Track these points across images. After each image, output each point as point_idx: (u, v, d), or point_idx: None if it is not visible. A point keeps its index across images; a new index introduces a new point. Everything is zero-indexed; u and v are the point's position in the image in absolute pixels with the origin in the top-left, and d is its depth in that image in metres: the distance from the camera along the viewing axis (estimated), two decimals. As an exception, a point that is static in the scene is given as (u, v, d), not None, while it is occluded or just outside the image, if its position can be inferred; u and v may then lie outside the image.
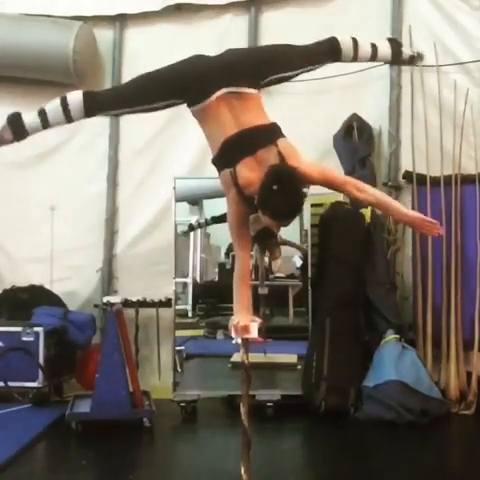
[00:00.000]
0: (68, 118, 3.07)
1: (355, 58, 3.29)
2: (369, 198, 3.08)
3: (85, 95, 3.06)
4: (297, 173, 2.90)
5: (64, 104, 3.05)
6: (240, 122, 3.01)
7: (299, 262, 5.68)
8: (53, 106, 3.07)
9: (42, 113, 3.08)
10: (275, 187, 2.79)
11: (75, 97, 3.05)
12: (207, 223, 5.92)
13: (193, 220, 5.98)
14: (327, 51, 3.26)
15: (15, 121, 3.12)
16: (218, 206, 5.72)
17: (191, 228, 5.94)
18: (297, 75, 3.24)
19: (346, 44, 3.26)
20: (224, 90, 3.00)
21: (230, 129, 3.00)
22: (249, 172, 2.94)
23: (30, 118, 3.10)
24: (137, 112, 3.14)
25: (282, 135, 3.04)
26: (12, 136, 3.18)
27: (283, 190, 2.80)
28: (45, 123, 3.10)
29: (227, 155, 2.99)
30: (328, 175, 3.08)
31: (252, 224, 3.07)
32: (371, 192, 3.09)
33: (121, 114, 3.15)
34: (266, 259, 5.56)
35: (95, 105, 3.07)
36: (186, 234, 5.91)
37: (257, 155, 2.96)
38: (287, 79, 3.22)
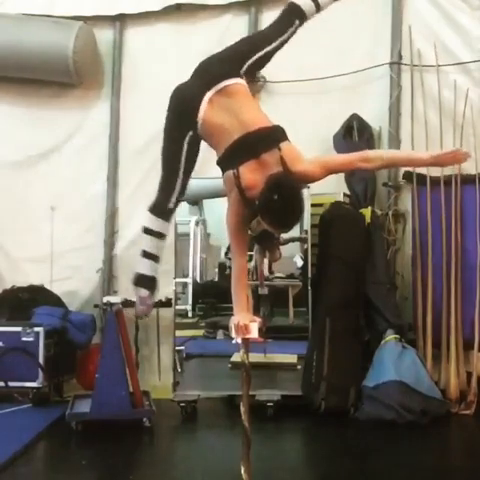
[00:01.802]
0: (162, 237, 3.32)
1: (318, 8, 3.35)
2: (377, 164, 3.15)
3: (152, 212, 3.32)
4: (298, 182, 2.94)
5: (151, 233, 3.32)
6: (240, 120, 3.04)
7: (300, 262, 5.67)
8: (148, 242, 3.33)
9: (147, 254, 3.33)
10: (275, 197, 2.81)
11: (151, 220, 3.30)
12: None
13: (193, 220, 5.98)
14: (288, 14, 3.34)
15: (140, 279, 3.33)
16: (218, 206, 5.74)
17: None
18: (274, 51, 3.28)
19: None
20: (209, 94, 3.07)
21: (233, 130, 3.04)
22: (252, 174, 2.96)
23: (146, 266, 3.33)
24: (189, 172, 3.22)
25: (286, 138, 3.06)
26: (149, 292, 3.36)
27: (283, 200, 2.82)
28: (156, 258, 3.33)
29: (232, 157, 3.02)
30: (331, 165, 3.12)
31: (255, 226, 3.09)
32: (376, 157, 3.16)
33: (184, 188, 3.26)
34: (266, 260, 5.56)
35: (164, 209, 3.29)
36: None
37: (261, 158, 2.98)
38: (266, 60, 3.27)
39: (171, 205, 3.26)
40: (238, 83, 3.14)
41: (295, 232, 5.50)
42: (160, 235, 3.30)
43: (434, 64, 5.47)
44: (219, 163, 3.12)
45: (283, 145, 3.01)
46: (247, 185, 2.96)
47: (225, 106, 3.07)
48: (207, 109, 3.07)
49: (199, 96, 3.09)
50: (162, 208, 3.29)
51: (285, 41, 3.32)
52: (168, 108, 3.21)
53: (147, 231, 3.31)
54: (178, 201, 3.28)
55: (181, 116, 3.14)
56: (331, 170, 3.11)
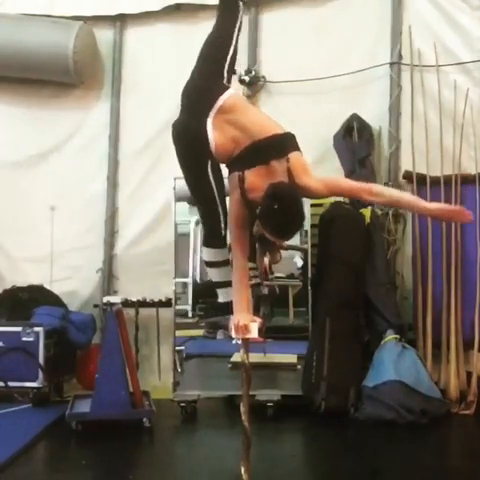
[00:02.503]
0: (226, 264, 3.34)
1: None
2: (382, 200, 3.17)
3: (209, 246, 3.35)
4: (299, 193, 2.95)
5: (216, 264, 3.37)
6: (248, 131, 3.06)
7: (300, 262, 5.66)
8: (217, 274, 3.40)
9: (221, 284, 3.39)
10: (275, 206, 2.82)
11: (211, 253, 3.36)
12: None
13: (193, 220, 5.97)
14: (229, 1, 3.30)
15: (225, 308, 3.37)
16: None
17: None
18: (237, 41, 3.29)
19: None
20: (210, 120, 3.07)
21: (242, 141, 3.06)
22: (257, 178, 2.98)
23: (225, 295, 3.39)
24: (224, 194, 3.28)
25: (296, 148, 3.06)
26: None
27: (283, 209, 2.84)
28: (230, 283, 3.30)
29: (241, 162, 3.03)
30: (336, 187, 3.15)
31: (256, 228, 3.11)
32: (381, 193, 3.16)
33: (226, 211, 3.32)
34: (266, 260, 5.55)
35: (218, 238, 3.34)
36: None
37: (270, 165, 2.99)
38: (236, 53, 3.29)
39: (223, 231, 3.31)
40: (230, 95, 3.14)
41: (297, 238, 5.49)
42: (224, 263, 3.35)
43: (434, 64, 5.47)
44: (227, 165, 3.13)
45: (292, 156, 3.02)
46: (250, 187, 2.98)
47: (229, 122, 3.08)
48: (214, 135, 3.07)
49: (201, 126, 3.08)
50: (215, 238, 3.34)
51: (241, 26, 3.32)
52: (176, 151, 3.21)
53: (211, 265, 3.36)
54: (226, 225, 3.32)
55: (194, 153, 3.14)
56: (335, 193, 3.15)
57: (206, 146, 3.09)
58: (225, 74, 3.20)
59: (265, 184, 2.91)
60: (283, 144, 3.06)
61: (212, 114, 3.09)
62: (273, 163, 3.01)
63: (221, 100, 3.10)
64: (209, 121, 3.08)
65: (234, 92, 3.20)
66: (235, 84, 5.53)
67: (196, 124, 3.10)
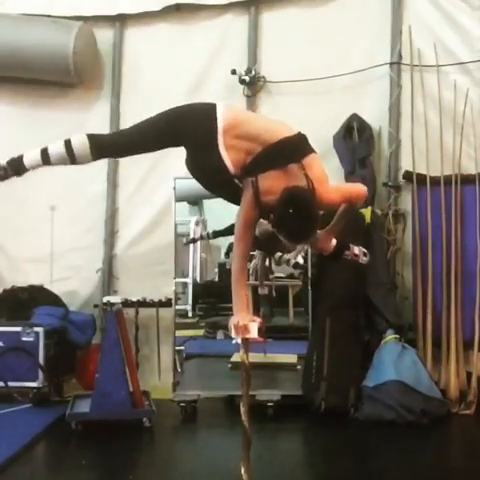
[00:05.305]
0: (73, 161, 3.27)
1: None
2: None
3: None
4: (314, 197, 2.92)
5: (69, 149, 3.29)
6: (261, 140, 3.01)
7: (301, 261, 5.62)
8: (57, 149, 3.32)
9: (44, 153, 3.35)
10: (291, 211, 2.82)
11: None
12: (208, 237, 5.93)
13: (193, 220, 5.98)
14: None
15: (15, 163, 3.32)
16: (218, 206, 5.73)
17: (193, 240, 5.95)
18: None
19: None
20: (221, 144, 3.00)
21: (255, 149, 3.02)
22: (271, 181, 2.96)
23: (31, 157, 3.35)
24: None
25: (309, 150, 3.04)
26: (11, 173, 3.31)
27: (298, 214, 2.84)
28: (47, 162, 3.32)
29: (253, 168, 3.01)
30: (349, 195, 3.15)
31: (260, 229, 3.10)
32: None
33: None
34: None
35: None
36: (187, 245, 5.92)
37: (286, 168, 2.97)
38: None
39: None
40: (224, 110, 3.05)
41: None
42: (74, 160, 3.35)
43: (434, 64, 5.47)
44: (242, 174, 3.07)
45: (307, 162, 3.00)
46: (264, 190, 2.96)
47: (239, 136, 3.01)
48: (229, 156, 3.00)
49: (215, 155, 3.01)
50: None
51: None
52: (200, 183, 3.17)
53: (68, 147, 3.36)
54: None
55: (218, 181, 3.09)
56: (348, 199, 3.14)
57: (226, 171, 3.03)
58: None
59: (280, 187, 2.89)
60: (294, 148, 3.03)
61: (220, 137, 3.00)
62: (289, 166, 2.99)
63: (220, 119, 3.01)
64: (221, 146, 3.00)
65: (223, 104, 3.10)
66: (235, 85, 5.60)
67: (210, 156, 3.02)
